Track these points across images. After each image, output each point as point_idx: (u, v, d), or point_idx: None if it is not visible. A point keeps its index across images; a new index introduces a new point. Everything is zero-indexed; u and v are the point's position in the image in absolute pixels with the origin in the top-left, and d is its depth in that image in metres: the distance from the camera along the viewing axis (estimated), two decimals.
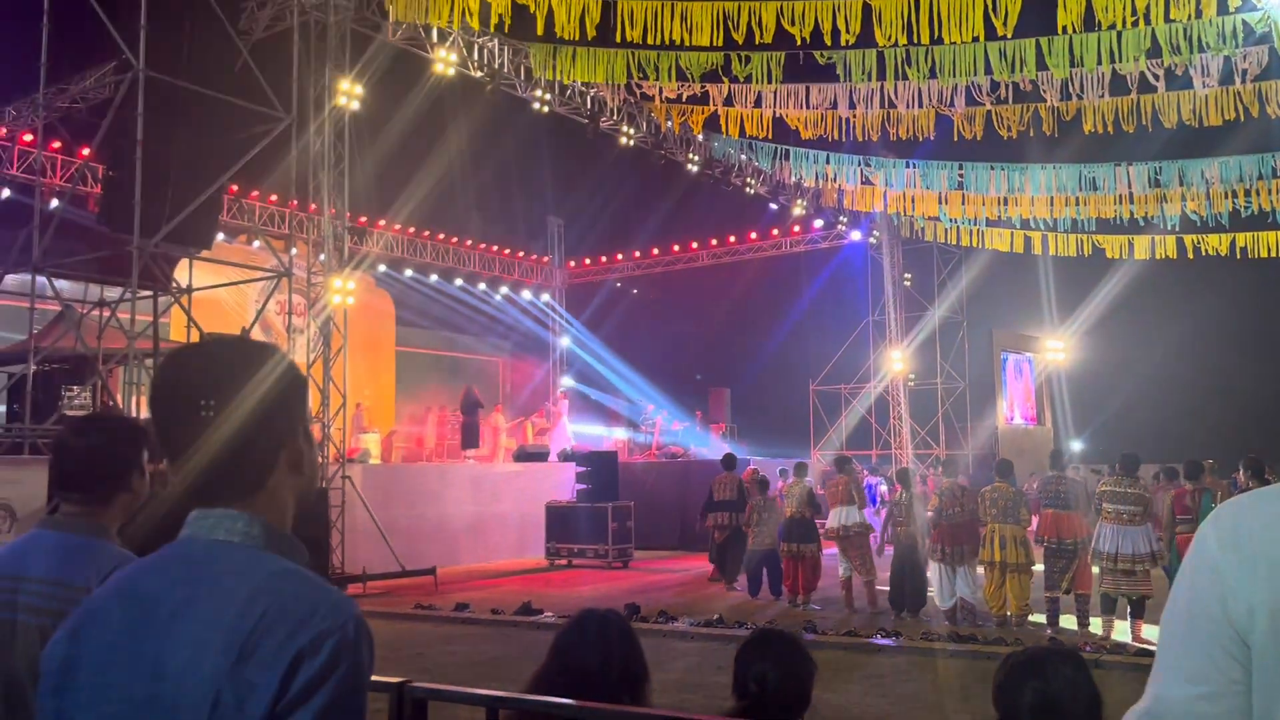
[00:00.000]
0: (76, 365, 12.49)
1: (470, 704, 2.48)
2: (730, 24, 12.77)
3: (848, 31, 12.41)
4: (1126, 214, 19.45)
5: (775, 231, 26.24)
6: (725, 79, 14.91)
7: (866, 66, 13.96)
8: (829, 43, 12.80)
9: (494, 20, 13.01)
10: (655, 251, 28.01)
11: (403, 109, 17.61)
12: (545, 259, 28.93)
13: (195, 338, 12.21)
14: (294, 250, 16.86)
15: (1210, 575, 1.27)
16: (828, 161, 20.07)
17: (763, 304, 27.73)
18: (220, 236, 16.40)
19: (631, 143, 18.70)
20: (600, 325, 28.72)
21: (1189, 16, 11.85)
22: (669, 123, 18.01)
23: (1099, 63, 13.29)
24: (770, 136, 17.01)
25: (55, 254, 12.28)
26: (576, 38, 13.15)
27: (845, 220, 24.81)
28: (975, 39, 12.31)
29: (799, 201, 23.11)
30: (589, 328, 28.84)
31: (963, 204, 20.92)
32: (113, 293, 12.16)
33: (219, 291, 15.36)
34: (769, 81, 14.46)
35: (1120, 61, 13.32)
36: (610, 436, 25.66)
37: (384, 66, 16.25)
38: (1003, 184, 19.52)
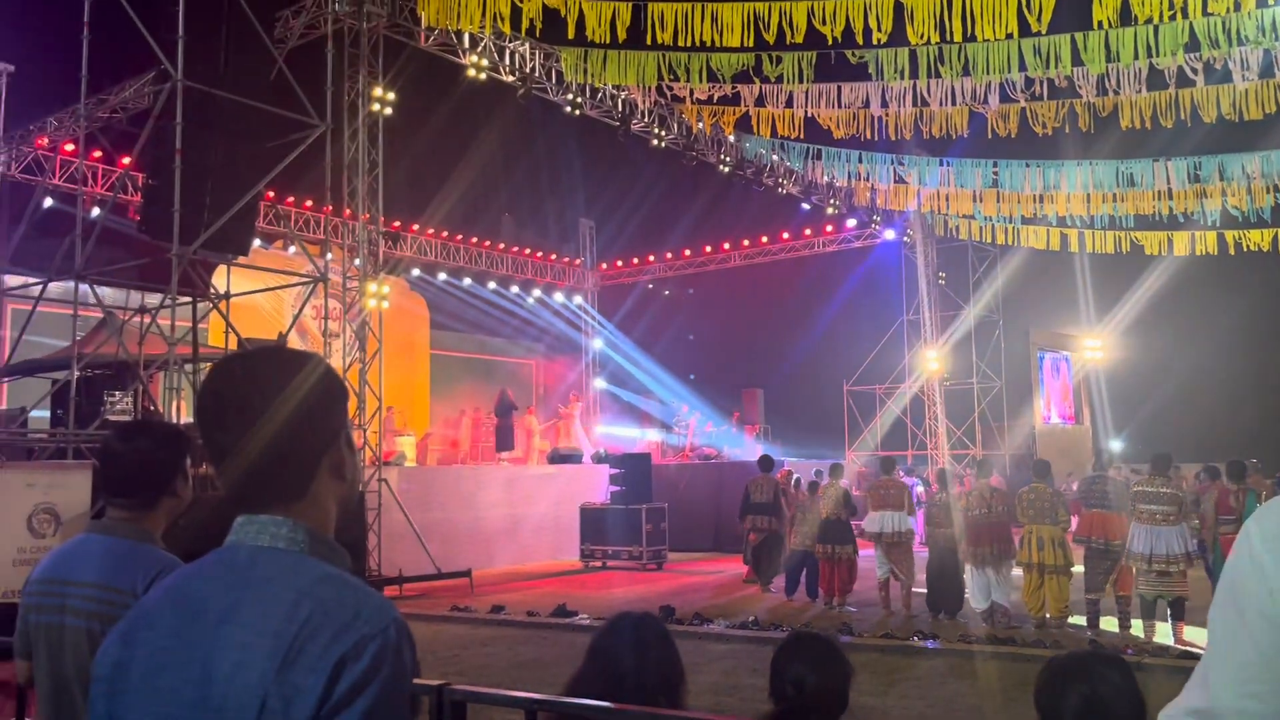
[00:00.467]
0: (118, 371, 12.68)
1: (509, 706, 2.50)
2: (761, 24, 12.76)
3: (879, 30, 12.36)
4: (1165, 210, 19.20)
5: (808, 231, 26.14)
6: (756, 79, 14.89)
7: (899, 65, 13.89)
8: (861, 41, 12.76)
9: (525, 24, 13.08)
10: (687, 253, 27.99)
11: (435, 114, 17.75)
12: (577, 261, 29.01)
13: (233, 343, 12.38)
14: (329, 255, 17.02)
15: (1255, 574, 1.26)
16: (860, 160, 19.98)
17: (796, 304, 27.62)
18: (257, 242, 16.60)
19: (663, 144, 18.70)
20: (633, 327, 28.78)
21: (1228, 10, 11.70)
22: (700, 124, 18.00)
23: (1136, 57, 13.13)
24: (802, 136, 16.97)
25: (97, 261, 12.48)
26: (607, 40, 13.20)
27: (878, 219, 24.66)
28: (1009, 35, 12.21)
29: (832, 201, 23.00)
30: (621, 329, 28.89)
31: (997, 202, 20.74)
32: (153, 299, 12.33)
33: (256, 297, 15.56)
34: (800, 81, 14.42)
35: (1158, 56, 13.15)
36: (643, 438, 25.67)
37: (416, 72, 16.39)
38: (1038, 181, 19.34)
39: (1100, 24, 12.07)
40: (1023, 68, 13.68)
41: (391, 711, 1.25)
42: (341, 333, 15.90)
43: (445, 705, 2.39)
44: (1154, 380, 26.22)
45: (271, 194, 19.15)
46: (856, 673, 2.96)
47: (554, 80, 17.06)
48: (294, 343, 17.53)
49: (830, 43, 12.89)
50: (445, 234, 24.75)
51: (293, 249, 20.20)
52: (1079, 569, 10.60)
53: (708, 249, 27.55)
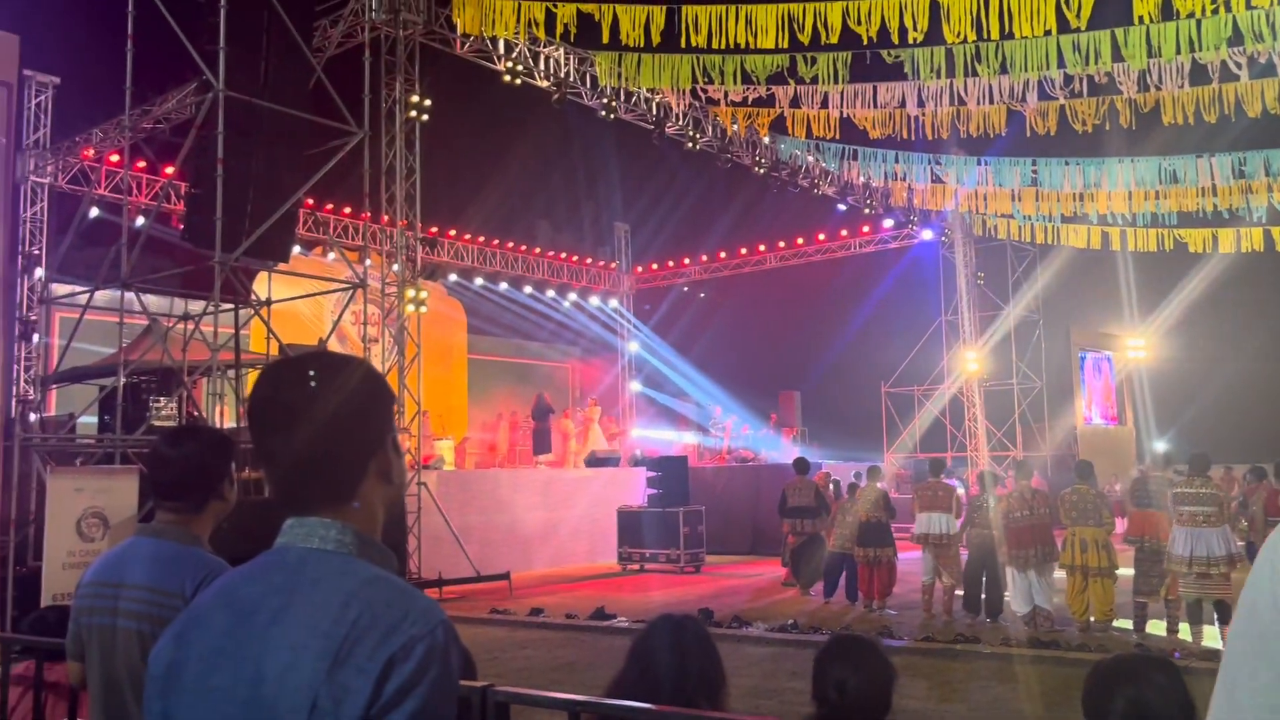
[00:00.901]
0: (163, 377, 12.89)
1: (552, 708, 2.51)
2: (795, 25, 12.73)
3: (915, 29, 12.29)
4: (1210, 207, 18.88)
5: (844, 232, 25.99)
6: (791, 80, 14.85)
7: (935, 64, 13.79)
8: (896, 41, 12.70)
9: (559, 29, 13.14)
10: (722, 255, 27.93)
11: (471, 120, 17.87)
12: (613, 265, 29.06)
13: (275, 349, 12.53)
14: (368, 261, 17.19)
15: (1272, 608, 1.20)
16: (897, 161, 19.85)
17: (832, 306, 27.49)
18: (296, 249, 16.80)
19: (697, 147, 18.69)
20: (668, 330, 28.76)
21: (1271, 3, 11.48)
22: (735, 126, 17.97)
23: (1178, 52, 12.93)
24: (838, 137, 16.92)
25: (142, 270, 12.69)
26: (641, 44, 13.23)
27: (916, 219, 24.47)
28: (1047, 32, 12.09)
29: (868, 202, 22.86)
30: (657, 332, 28.89)
31: (1037, 200, 20.52)
32: (196, 306, 12.53)
33: (296, 303, 15.73)
34: (835, 82, 14.36)
35: (1200, 50, 12.94)
36: (680, 441, 25.65)
37: (452, 79, 16.52)
38: (1078, 179, 19.10)
39: (1141, 19, 11.91)
40: (1061, 65, 13.53)
41: (439, 712, 1.27)
42: (380, 338, 16.05)
43: (489, 706, 2.41)
44: (1199, 380, 25.78)
45: (311, 201, 19.38)
46: (899, 676, 2.94)
47: (589, 84, 17.12)
48: (334, 348, 17.72)
49: (865, 43, 12.86)
50: (482, 239, 24.90)
51: (332, 255, 20.41)
52: (1123, 571, 10.44)
53: (743, 251, 27.47)
